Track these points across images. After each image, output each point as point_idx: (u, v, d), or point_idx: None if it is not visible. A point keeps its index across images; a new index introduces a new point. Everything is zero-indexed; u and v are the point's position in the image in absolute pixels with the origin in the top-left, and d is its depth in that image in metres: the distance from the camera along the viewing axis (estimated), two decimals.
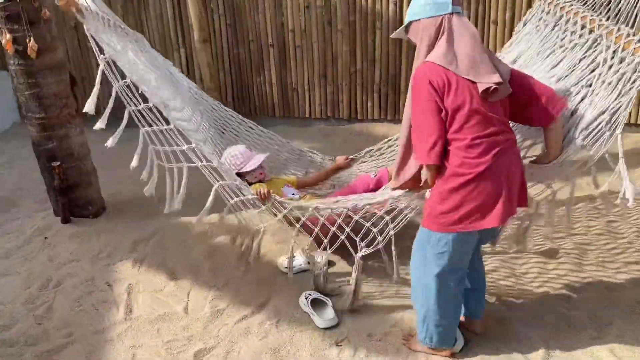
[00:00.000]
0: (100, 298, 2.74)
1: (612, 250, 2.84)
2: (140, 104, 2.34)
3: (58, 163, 3.30)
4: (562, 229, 3.04)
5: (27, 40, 3.05)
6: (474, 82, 1.89)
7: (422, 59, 1.98)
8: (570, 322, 2.35)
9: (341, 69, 4.71)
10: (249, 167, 2.94)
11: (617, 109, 1.91)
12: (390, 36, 2.25)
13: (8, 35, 3.05)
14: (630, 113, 4.21)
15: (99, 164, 3.69)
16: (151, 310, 2.63)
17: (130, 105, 2.32)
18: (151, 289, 2.79)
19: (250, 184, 2.84)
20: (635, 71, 1.88)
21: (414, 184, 2.15)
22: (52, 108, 3.25)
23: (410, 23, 2.04)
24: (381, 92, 4.70)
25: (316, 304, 2.54)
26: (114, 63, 2.28)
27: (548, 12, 2.52)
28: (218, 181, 2.48)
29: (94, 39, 2.26)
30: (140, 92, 2.33)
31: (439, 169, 1.95)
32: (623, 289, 2.53)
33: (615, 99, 1.92)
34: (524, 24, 2.72)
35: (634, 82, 1.88)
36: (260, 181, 2.97)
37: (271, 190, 2.61)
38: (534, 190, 2.32)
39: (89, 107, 2.26)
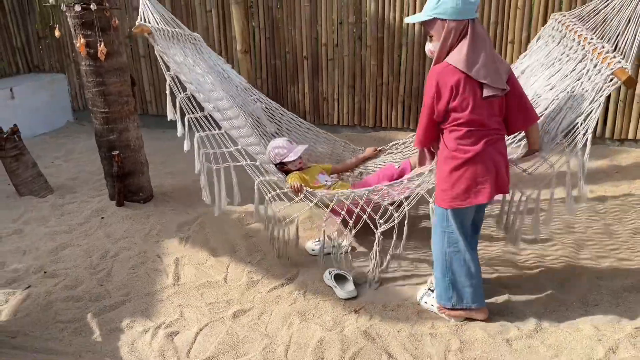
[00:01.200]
0: (151, 267, 3.16)
1: (606, 247, 3.15)
2: (197, 112, 2.79)
3: (117, 152, 3.76)
4: (564, 226, 3.36)
5: (98, 44, 3.54)
6: (481, 84, 2.24)
7: (442, 57, 2.26)
8: (561, 302, 2.66)
9: (369, 81, 5.12)
10: (291, 158, 3.36)
11: (589, 114, 2.26)
12: (405, 20, 2.43)
13: (82, 40, 3.54)
14: (637, 129, 4.52)
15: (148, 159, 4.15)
16: (195, 279, 3.04)
17: (188, 114, 2.76)
18: (195, 262, 3.20)
19: (290, 171, 3.26)
20: (605, 82, 2.23)
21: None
22: (115, 104, 3.72)
23: (435, 19, 2.21)
24: (404, 104, 5.09)
25: (339, 278, 2.91)
26: (178, 78, 2.73)
27: (556, 29, 2.86)
28: (259, 177, 2.90)
29: (162, 59, 2.72)
30: (197, 102, 2.77)
31: (440, 152, 2.36)
32: (613, 278, 2.83)
33: (589, 105, 2.27)
34: (537, 39, 3.07)
35: (603, 91, 2.23)
36: (300, 169, 3.38)
37: (307, 177, 3.02)
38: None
39: (170, 115, 2.73)
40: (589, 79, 2.33)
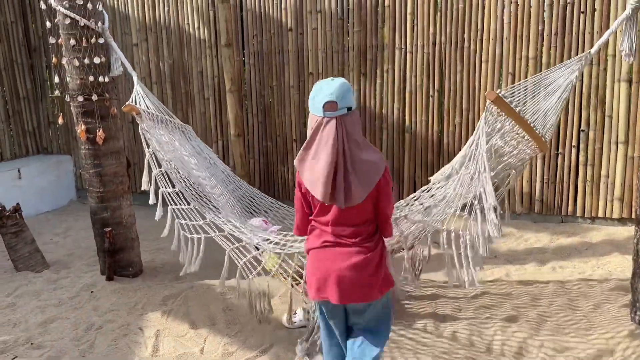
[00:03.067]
0: (133, 339, 3.31)
1: (568, 321, 3.27)
2: (170, 188, 3.11)
3: (109, 229, 4.01)
4: (529, 302, 3.50)
5: (97, 130, 3.89)
6: None
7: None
8: None
9: None
10: None
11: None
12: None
13: (83, 126, 3.90)
14: (606, 208, 4.73)
15: (140, 235, 4.40)
16: (173, 350, 3.18)
17: (162, 188, 3.07)
18: (175, 334, 3.34)
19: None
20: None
21: None
22: (110, 184, 4.02)
23: (352, 109, 2.20)
24: None
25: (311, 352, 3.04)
26: (155, 156, 3.08)
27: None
28: (229, 246, 3.13)
29: (144, 136, 3.06)
30: (170, 179, 3.10)
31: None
32: (573, 350, 2.94)
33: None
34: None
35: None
36: None
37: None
38: None
39: (145, 186, 3.03)
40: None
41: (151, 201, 3.09)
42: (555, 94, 2.90)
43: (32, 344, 3.28)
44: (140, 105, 3.23)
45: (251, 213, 3.90)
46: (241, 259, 3.16)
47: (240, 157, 5.67)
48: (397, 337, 3.13)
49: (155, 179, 3.09)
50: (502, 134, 2.88)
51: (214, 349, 3.18)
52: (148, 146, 3.08)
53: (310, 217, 2.39)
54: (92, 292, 3.96)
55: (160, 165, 3.11)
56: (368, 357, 2.36)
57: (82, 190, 6.69)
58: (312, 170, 2.20)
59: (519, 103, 2.80)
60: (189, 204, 3.13)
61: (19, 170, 5.98)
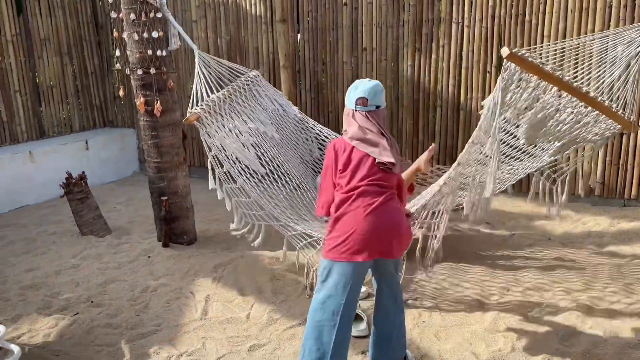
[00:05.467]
0: (184, 302, 3.48)
1: (620, 304, 3.14)
2: (232, 184, 3.39)
3: (166, 198, 4.19)
4: (581, 285, 3.39)
5: (155, 103, 4.04)
6: None
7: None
8: (564, 355, 2.71)
9: (405, 139, 5.38)
10: None
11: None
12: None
13: (142, 99, 4.06)
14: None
15: (196, 206, 4.57)
16: (221, 314, 3.31)
17: (225, 184, 3.37)
18: (223, 300, 3.48)
19: None
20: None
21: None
22: (167, 155, 4.18)
23: (380, 107, 2.55)
24: (439, 161, 5.29)
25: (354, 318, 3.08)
26: (217, 157, 3.37)
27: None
28: (287, 232, 3.35)
29: (206, 142, 3.34)
30: (231, 175, 3.41)
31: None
32: (619, 334, 2.83)
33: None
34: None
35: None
36: None
37: None
38: None
39: (211, 185, 3.35)
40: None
41: (210, 187, 3.38)
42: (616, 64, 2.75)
43: (92, 302, 3.51)
44: (202, 89, 3.49)
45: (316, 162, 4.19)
46: (300, 242, 3.36)
47: None
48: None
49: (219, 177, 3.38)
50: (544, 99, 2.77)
51: (259, 315, 3.29)
52: (210, 150, 3.36)
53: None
54: (149, 257, 4.17)
55: (222, 166, 3.37)
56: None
57: (144, 163, 6.99)
58: (369, 141, 2.47)
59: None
60: (249, 197, 3.42)
61: (86, 142, 6.32)
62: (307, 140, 4.23)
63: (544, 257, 3.87)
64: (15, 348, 2.22)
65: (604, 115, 2.85)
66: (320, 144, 4.29)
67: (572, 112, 2.81)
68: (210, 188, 3.40)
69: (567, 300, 3.24)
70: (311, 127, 4.26)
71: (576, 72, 2.77)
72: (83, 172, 4.71)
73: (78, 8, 6.64)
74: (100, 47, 6.89)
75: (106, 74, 6.95)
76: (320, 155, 4.23)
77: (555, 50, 2.91)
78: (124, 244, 4.49)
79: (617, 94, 2.94)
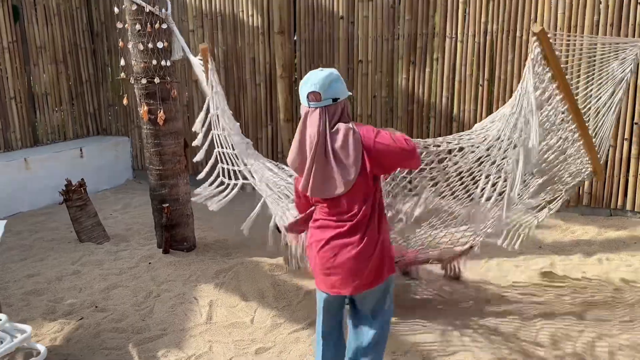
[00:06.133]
0: (188, 307, 3.53)
1: (610, 311, 3.28)
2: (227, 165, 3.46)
3: (167, 205, 4.25)
4: (571, 291, 3.54)
5: (158, 111, 4.11)
6: None
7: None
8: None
9: None
10: None
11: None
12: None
13: (145, 107, 4.13)
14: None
15: (194, 214, 4.63)
16: (226, 319, 3.38)
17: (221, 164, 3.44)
18: (227, 305, 3.54)
19: None
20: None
21: None
22: (169, 163, 4.25)
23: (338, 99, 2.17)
24: None
25: None
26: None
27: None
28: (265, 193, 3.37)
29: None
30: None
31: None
32: (614, 337, 2.97)
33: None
34: None
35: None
36: None
37: None
38: None
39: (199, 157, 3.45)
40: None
41: (199, 176, 3.50)
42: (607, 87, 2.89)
43: (96, 307, 3.55)
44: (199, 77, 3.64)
45: None
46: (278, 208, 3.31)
47: (288, 142, 5.82)
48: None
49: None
50: (549, 109, 2.84)
51: (263, 319, 3.36)
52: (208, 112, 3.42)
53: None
54: (149, 263, 4.22)
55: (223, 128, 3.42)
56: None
57: (138, 171, 7.02)
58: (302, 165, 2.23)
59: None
60: (233, 149, 3.42)
61: (81, 150, 6.34)
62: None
63: (535, 264, 4.01)
64: (41, 348, 2.27)
65: (583, 150, 2.94)
66: None
67: (560, 138, 2.91)
68: (193, 129, 3.51)
69: (561, 304, 3.38)
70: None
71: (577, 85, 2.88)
72: (82, 179, 4.75)
73: (74, 16, 6.68)
74: (96, 55, 6.94)
75: (101, 82, 6.99)
76: None
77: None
78: (123, 251, 4.53)
79: (597, 126, 3.04)
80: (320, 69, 2.21)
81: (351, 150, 2.14)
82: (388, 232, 2.36)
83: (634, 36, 4.57)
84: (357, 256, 2.19)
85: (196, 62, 3.66)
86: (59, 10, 6.50)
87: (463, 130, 5.22)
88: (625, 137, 4.75)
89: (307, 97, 2.17)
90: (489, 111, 5.19)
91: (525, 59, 4.88)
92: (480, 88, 5.18)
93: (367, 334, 2.34)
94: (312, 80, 2.16)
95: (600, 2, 4.64)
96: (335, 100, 2.17)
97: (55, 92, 6.57)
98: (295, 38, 5.85)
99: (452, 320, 3.23)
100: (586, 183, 4.92)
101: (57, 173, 5.51)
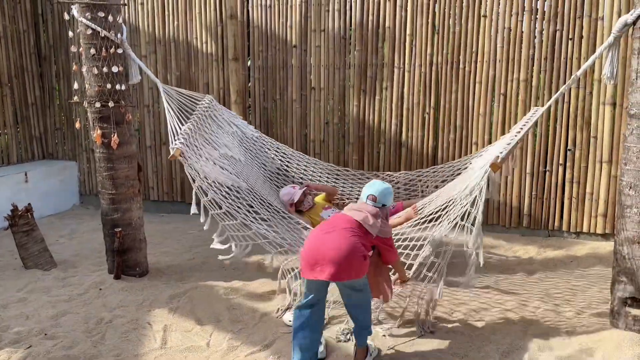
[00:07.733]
0: (142, 333, 3.49)
1: (552, 325, 3.49)
2: (217, 210, 3.69)
3: (119, 229, 4.20)
4: (516, 306, 3.74)
5: (112, 135, 4.10)
6: None
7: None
8: None
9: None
10: (296, 199, 4.39)
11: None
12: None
13: (99, 131, 4.11)
14: (590, 223, 4.99)
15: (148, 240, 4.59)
16: (181, 343, 3.36)
17: (211, 211, 3.68)
18: (182, 329, 3.52)
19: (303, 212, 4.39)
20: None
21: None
22: (122, 187, 4.21)
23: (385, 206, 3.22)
24: None
25: None
26: (202, 187, 3.65)
27: None
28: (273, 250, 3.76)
29: (190, 175, 3.57)
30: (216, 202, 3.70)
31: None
32: (553, 349, 3.16)
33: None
34: None
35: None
36: (312, 206, 4.50)
37: (316, 217, 4.23)
38: None
39: (193, 209, 3.66)
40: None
41: (192, 212, 3.66)
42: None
43: (45, 334, 3.44)
44: (169, 111, 3.85)
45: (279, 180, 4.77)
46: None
47: None
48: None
49: (204, 206, 3.67)
50: None
51: (219, 343, 3.36)
52: (194, 181, 3.60)
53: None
54: (100, 289, 4.13)
55: (207, 194, 3.65)
56: None
57: (85, 196, 6.87)
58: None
59: None
60: (235, 219, 3.75)
61: (25, 174, 6.15)
62: (267, 157, 4.81)
63: (480, 283, 4.21)
64: None
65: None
66: (280, 158, 4.94)
67: None
68: (191, 213, 3.68)
69: (506, 319, 3.56)
70: (270, 144, 4.88)
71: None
72: (29, 204, 4.62)
73: (21, 39, 6.55)
74: (43, 78, 6.80)
75: (47, 105, 6.84)
76: (280, 165, 4.88)
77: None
78: (72, 277, 4.42)
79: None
80: (382, 181, 3.31)
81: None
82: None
83: (565, 68, 4.95)
84: (347, 247, 2.92)
85: (161, 87, 3.89)
86: (5, 32, 6.37)
87: (411, 157, 5.47)
88: (560, 162, 5.09)
89: (367, 197, 3.19)
90: (436, 138, 5.45)
91: (468, 89, 5.20)
92: (426, 116, 5.43)
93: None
94: (375, 187, 3.21)
95: (535, 37, 5.01)
96: (384, 205, 3.20)
97: None
98: (249, 64, 5.96)
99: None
100: (525, 206, 5.22)
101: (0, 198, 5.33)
